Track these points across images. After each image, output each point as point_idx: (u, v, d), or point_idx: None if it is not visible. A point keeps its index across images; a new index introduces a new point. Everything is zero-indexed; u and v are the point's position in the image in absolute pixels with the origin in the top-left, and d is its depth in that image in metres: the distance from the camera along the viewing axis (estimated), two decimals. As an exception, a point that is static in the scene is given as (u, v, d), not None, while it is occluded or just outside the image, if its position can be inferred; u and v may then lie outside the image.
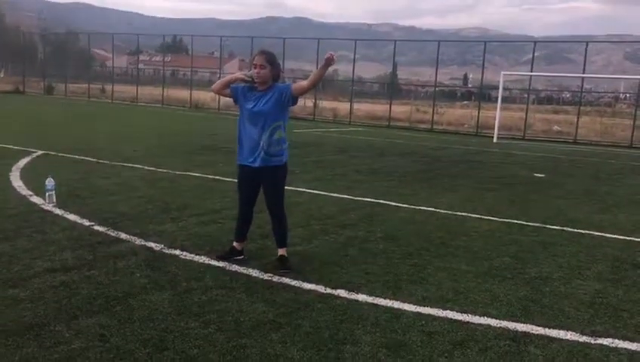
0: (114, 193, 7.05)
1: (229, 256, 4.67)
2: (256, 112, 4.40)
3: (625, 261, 5.31)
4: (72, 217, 5.73)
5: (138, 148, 11.86)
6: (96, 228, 5.40)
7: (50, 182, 6.25)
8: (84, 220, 5.63)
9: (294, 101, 4.48)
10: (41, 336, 3.11)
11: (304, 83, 4.44)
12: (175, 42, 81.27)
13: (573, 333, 3.57)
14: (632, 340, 3.51)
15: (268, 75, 4.40)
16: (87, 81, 39.56)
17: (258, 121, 4.40)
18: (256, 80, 4.40)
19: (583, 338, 3.50)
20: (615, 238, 6.21)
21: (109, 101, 35.53)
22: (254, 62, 4.42)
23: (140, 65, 46.24)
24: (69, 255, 4.53)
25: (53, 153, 10.32)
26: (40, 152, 10.29)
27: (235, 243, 4.73)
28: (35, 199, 6.44)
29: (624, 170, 13.59)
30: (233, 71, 63.85)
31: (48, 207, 6.09)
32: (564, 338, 3.50)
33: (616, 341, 3.49)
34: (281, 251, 4.62)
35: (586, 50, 25.17)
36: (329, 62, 4.18)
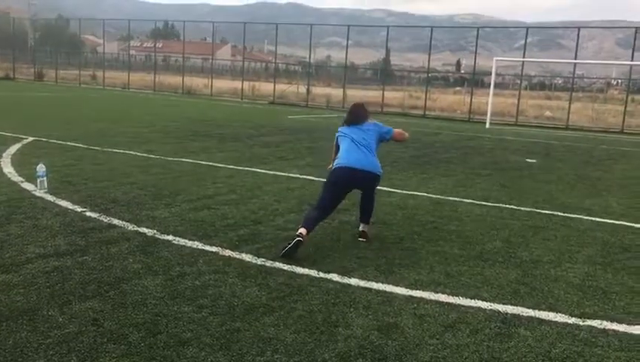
0: (106, 179, 7.03)
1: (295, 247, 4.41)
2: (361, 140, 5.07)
3: (614, 244, 5.37)
4: (63, 203, 5.72)
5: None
6: (89, 214, 5.39)
7: (41, 169, 6.22)
8: (76, 206, 5.62)
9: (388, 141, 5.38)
10: (35, 321, 3.12)
11: (400, 137, 5.43)
12: (167, 28, 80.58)
13: (563, 315, 3.62)
14: (620, 321, 3.57)
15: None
16: (77, 68, 39.26)
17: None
18: None
19: (572, 320, 3.55)
20: (605, 222, 6.27)
21: (100, 87, 35.27)
22: None
23: (131, 52, 45.89)
24: (61, 241, 4.53)
25: (44, 139, 10.26)
26: (30, 138, 10.23)
27: (302, 230, 4.51)
28: (27, 185, 6.42)
29: (615, 156, 13.67)
30: (225, 57, 63.32)
31: (40, 193, 6.08)
32: (553, 319, 3.54)
33: (605, 322, 3.54)
34: (365, 226, 5.11)
35: (578, 35, 25.18)
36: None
